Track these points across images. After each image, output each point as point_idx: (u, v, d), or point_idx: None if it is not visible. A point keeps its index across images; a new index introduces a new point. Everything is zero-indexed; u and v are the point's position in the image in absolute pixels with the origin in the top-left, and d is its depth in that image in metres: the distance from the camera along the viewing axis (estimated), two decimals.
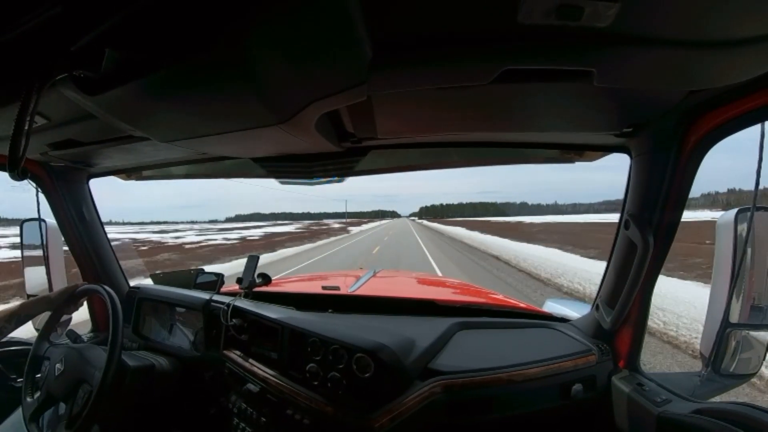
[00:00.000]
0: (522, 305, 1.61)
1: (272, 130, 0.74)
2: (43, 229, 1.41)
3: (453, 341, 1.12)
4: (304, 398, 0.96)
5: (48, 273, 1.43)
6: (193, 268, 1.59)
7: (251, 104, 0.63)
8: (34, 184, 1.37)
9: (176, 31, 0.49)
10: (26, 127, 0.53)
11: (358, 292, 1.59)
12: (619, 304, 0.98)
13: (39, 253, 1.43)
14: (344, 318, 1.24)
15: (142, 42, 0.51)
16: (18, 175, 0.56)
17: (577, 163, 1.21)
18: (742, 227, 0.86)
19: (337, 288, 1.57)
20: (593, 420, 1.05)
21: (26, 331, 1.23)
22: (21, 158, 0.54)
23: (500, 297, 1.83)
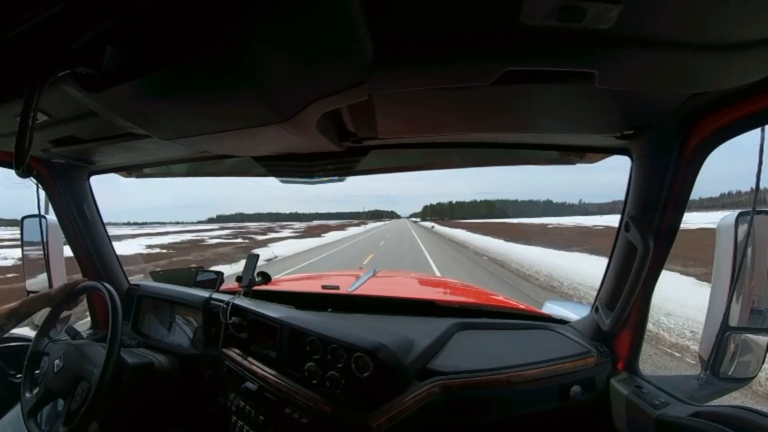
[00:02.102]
0: (521, 306, 1.61)
1: (273, 129, 0.74)
2: (43, 226, 1.42)
3: (452, 342, 1.12)
4: (302, 397, 0.96)
5: (48, 270, 1.43)
6: (192, 266, 1.59)
7: (252, 103, 0.63)
8: (35, 181, 1.37)
9: (178, 30, 0.49)
10: (30, 124, 0.53)
11: (358, 292, 1.59)
12: (618, 306, 0.97)
13: (39, 249, 1.44)
14: (343, 317, 1.24)
15: (143, 40, 0.51)
16: (23, 171, 0.56)
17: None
18: (743, 230, 0.86)
19: (337, 287, 1.58)
20: (592, 422, 1.05)
21: (26, 330, 1.23)
22: (26, 155, 0.54)
23: (499, 298, 1.83)
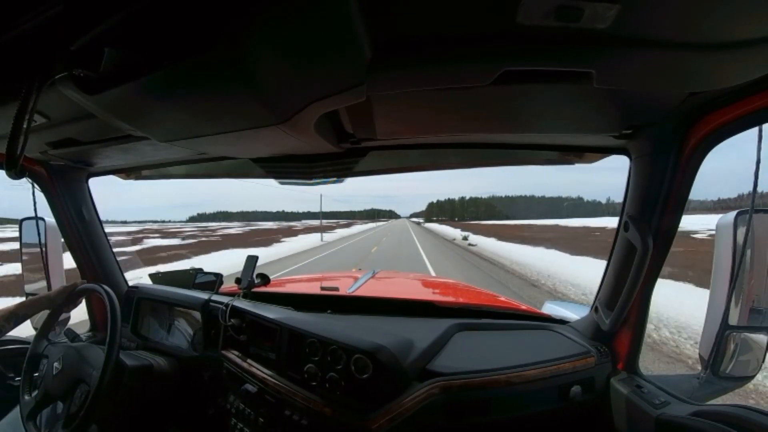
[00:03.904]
0: (521, 307, 1.61)
1: (271, 130, 0.74)
2: (41, 228, 1.41)
3: (452, 342, 1.12)
4: (302, 399, 0.95)
5: (46, 272, 1.43)
6: (191, 268, 1.59)
7: (250, 104, 0.63)
8: (34, 183, 1.37)
9: (176, 31, 0.49)
10: (25, 126, 0.53)
11: (357, 293, 1.59)
12: (618, 306, 0.97)
13: (38, 251, 1.43)
14: (343, 319, 1.24)
15: (142, 41, 0.51)
16: (16, 173, 0.56)
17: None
18: (742, 230, 0.86)
19: (336, 289, 1.57)
20: (592, 422, 1.05)
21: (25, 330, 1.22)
22: (19, 156, 0.54)
23: (499, 298, 1.83)
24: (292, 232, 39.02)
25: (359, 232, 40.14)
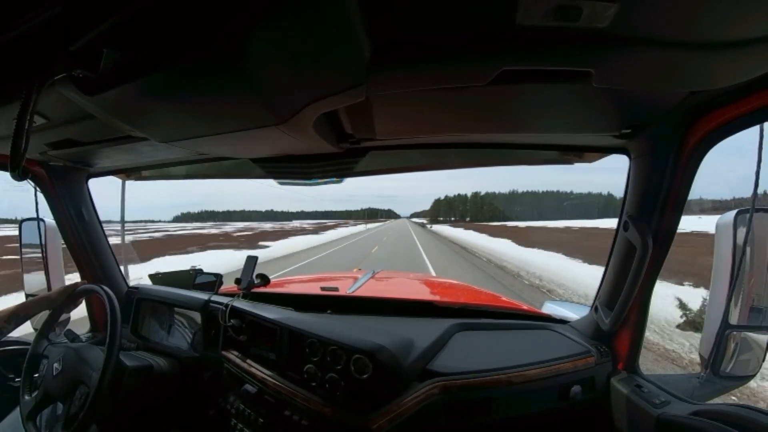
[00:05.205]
0: (521, 306, 1.61)
1: (271, 130, 0.74)
2: (41, 229, 1.41)
3: (452, 342, 1.12)
4: (302, 399, 0.95)
5: (47, 273, 1.43)
6: (191, 268, 1.59)
7: (250, 105, 0.63)
8: (33, 184, 1.37)
9: (175, 31, 0.49)
10: (26, 127, 0.53)
11: (357, 293, 1.58)
12: (618, 305, 0.97)
13: (38, 252, 1.43)
14: (343, 319, 1.24)
15: (141, 42, 0.51)
16: (19, 174, 0.56)
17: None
18: (742, 229, 0.86)
19: (336, 289, 1.57)
20: (592, 422, 1.05)
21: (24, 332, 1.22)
22: (21, 157, 0.54)
23: (499, 298, 1.83)
24: (203, 241, 23.84)
25: (330, 241, 23.73)
